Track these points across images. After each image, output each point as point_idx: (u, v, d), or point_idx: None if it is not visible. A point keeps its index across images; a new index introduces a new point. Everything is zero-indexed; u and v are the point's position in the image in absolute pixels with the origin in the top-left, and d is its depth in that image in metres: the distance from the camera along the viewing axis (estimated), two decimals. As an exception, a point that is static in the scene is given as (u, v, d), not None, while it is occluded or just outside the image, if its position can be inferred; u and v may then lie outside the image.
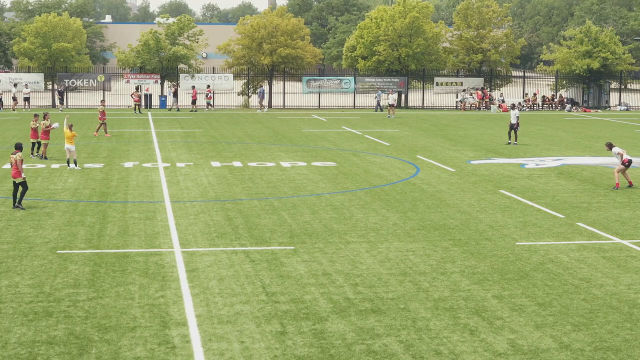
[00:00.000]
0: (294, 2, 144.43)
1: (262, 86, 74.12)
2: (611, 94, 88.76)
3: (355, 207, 27.91)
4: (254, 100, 77.74)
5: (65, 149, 36.40)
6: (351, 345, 15.10)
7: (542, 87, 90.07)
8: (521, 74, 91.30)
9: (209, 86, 73.86)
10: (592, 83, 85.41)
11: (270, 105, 77.64)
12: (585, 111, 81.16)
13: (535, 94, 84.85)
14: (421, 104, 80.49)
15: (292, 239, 23.20)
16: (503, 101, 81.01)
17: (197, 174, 34.60)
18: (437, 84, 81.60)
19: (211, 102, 72.55)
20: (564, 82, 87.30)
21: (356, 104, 78.48)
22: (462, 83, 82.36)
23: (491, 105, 79.29)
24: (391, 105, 68.23)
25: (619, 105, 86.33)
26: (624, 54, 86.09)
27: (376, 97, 75.21)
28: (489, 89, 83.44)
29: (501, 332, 15.84)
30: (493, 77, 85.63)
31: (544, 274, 19.89)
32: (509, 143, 47.14)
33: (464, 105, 79.68)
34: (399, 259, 21.07)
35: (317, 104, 77.69)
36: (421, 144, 47.13)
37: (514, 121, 47.11)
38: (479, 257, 21.49)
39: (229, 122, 59.24)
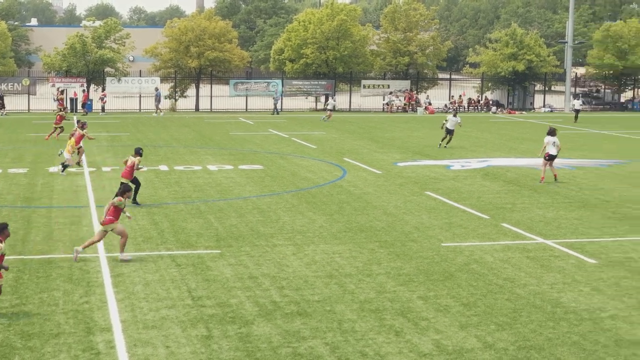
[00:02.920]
0: (222, 5, 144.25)
1: (158, 89, 73.35)
2: (536, 95, 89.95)
3: (282, 210, 27.92)
4: (183, 103, 77.46)
5: None
6: (277, 348, 15.10)
7: (468, 89, 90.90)
8: (447, 76, 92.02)
9: (104, 89, 73.65)
10: (517, 85, 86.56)
11: (197, 109, 77.37)
12: (510, 113, 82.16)
13: (461, 96, 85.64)
14: (348, 107, 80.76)
15: (218, 242, 23.13)
16: (430, 103, 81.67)
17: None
18: (364, 87, 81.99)
19: (105, 107, 71.98)
20: (490, 84, 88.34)
21: (284, 107, 78.46)
22: (389, 85, 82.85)
23: (418, 108, 79.87)
24: (330, 110, 68.13)
25: (544, 106, 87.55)
26: (548, 56, 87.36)
27: (275, 99, 75.00)
28: (415, 92, 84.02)
29: (426, 333, 15.95)
30: (420, 80, 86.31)
31: (469, 275, 20.08)
32: (441, 146, 46.95)
33: (391, 107, 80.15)
34: (325, 262, 21.12)
35: (245, 107, 77.57)
36: (348, 146, 47.29)
37: (451, 127, 46.88)
38: (405, 258, 21.62)
39: (155, 126, 58.89)
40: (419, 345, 15.30)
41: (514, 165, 39.97)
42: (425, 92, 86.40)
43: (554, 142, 34.89)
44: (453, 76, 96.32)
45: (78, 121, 40.48)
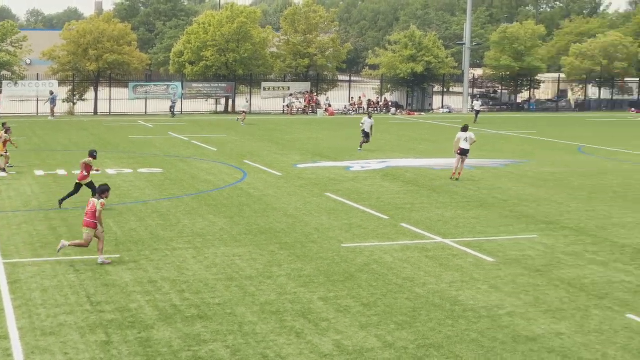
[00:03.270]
0: (121, 7, 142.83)
1: (53, 92, 72.28)
2: (434, 97, 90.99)
3: (181, 213, 27.75)
4: (81, 106, 76.49)
5: None
6: (177, 352, 15.00)
7: (367, 90, 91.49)
8: (347, 78, 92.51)
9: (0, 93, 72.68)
10: (416, 86, 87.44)
11: (95, 112, 76.47)
12: (409, 114, 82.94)
13: (360, 98, 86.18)
14: (249, 109, 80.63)
15: (117, 247, 22.88)
16: (330, 105, 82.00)
17: (20, 184, 33.73)
18: (264, 89, 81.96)
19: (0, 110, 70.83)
20: (389, 85, 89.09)
21: (184, 110, 78.00)
22: (289, 88, 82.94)
23: (318, 110, 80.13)
24: (244, 112, 67.86)
25: (442, 107, 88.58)
26: (446, 57, 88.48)
27: (172, 101, 74.63)
28: (315, 93, 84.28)
29: (327, 334, 16.01)
30: (320, 82, 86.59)
31: (369, 275, 20.22)
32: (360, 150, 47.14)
33: (291, 109, 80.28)
34: (226, 264, 21.06)
35: (144, 110, 76.91)
36: (248, 148, 47.23)
37: (367, 130, 47.04)
38: (305, 260, 21.67)
39: (53, 130, 58.03)
40: (320, 346, 15.35)
41: (412, 166, 40.36)
42: (325, 94, 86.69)
43: (466, 137, 35.82)
44: (353, 78, 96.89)
45: (4, 124, 39.44)
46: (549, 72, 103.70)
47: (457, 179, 35.69)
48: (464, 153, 35.88)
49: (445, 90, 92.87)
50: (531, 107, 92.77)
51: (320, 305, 17.79)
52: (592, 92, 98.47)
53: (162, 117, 73.06)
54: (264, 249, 22.77)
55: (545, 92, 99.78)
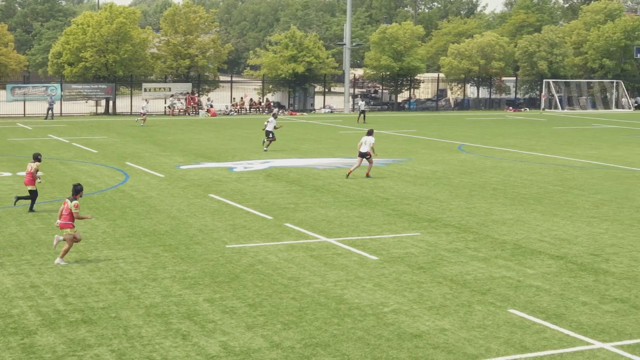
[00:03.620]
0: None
1: None
2: (316, 97, 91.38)
3: (63, 216, 27.28)
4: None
5: None
6: (62, 357, 14.76)
7: (249, 91, 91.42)
8: (229, 78, 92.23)
9: None
10: (298, 87, 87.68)
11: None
12: (291, 114, 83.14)
13: (242, 99, 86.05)
14: (129, 110, 79.74)
15: (-3, 252, 22.42)
16: (211, 106, 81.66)
17: None
18: (145, 90, 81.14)
19: None
20: (271, 86, 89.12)
21: (64, 112, 76.75)
22: (170, 89, 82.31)
23: (200, 110, 79.73)
24: (143, 114, 66.98)
25: (324, 108, 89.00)
26: (327, 58, 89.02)
27: (50, 103, 73.45)
28: (197, 94, 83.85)
29: (213, 335, 15.95)
30: (201, 82, 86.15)
31: (254, 275, 20.21)
32: (267, 149, 47.49)
33: (173, 110, 79.72)
34: (109, 268, 20.80)
35: (23, 112, 75.41)
36: (130, 150, 46.74)
37: (269, 128, 47.51)
38: (190, 261, 21.55)
39: None
40: (206, 348, 15.28)
41: (295, 166, 40.48)
42: (207, 95, 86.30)
43: (366, 141, 36.75)
44: (234, 79, 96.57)
45: None
46: (428, 71, 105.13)
47: (367, 176, 36.83)
48: (362, 155, 36.75)
49: (326, 90, 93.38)
50: (411, 107, 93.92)
51: (206, 306, 17.72)
52: (471, 91, 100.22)
53: (41, 119, 71.75)
54: (147, 252, 22.57)
55: (425, 91, 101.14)
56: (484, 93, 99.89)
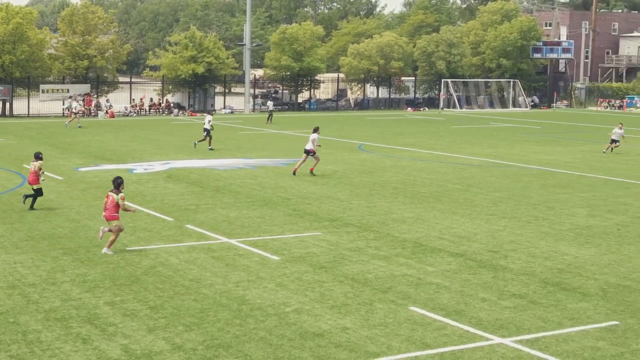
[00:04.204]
0: None
1: None
2: (216, 97, 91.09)
3: (-42, 220, 26.77)
4: None
5: None
6: (-43, 364, 14.49)
7: (149, 92, 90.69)
8: (128, 79, 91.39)
9: None
10: (198, 87, 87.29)
11: None
12: (191, 115, 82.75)
13: (142, 99, 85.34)
14: (27, 112, 78.46)
15: None
16: (110, 107, 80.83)
17: None
18: (43, 91, 79.92)
19: None
20: (171, 87, 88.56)
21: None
22: (68, 90, 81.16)
23: (98, 112, 78.83)
24: (75, 114, 66.00)
25: (224, 108, 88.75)
26: (227, 58, 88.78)
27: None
28: (96, 95, 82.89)
29: (114, 339, 15.78)
30: (100, 84, 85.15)
31: (155, 278, 20.06)
32: (202, 148, 48.16)
33: (71, 112, 78.65)
34: (7, 272, 20.42)
35: None
36: (27, 152, 45.84)
37: (208, 127, 48.29)
38: (90, 264, 21.28)
39: None
40: (107, 352, 15.12)
41: (196, 167, 40.29)
42: (106, 96, 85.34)
43: (310, 138, 37.80)
44: (134, 79, 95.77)
45: None
46: (328, 72, 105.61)
47: (312, 174, 37.74)
48: (306, 152, 37.68)
49: (226, 91, 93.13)
50: (312, 107, 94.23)
51: (107, 310, 17.52)
52: (371, 91, 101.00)
53: None
54: (46, 255, 22.22)
55: (325, 91, 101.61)
56: (383, 93, 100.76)
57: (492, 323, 16.96)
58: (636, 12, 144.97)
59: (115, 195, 22.63)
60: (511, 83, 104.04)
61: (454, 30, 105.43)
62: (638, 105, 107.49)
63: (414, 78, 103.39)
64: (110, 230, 22.60)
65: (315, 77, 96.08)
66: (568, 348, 15.58)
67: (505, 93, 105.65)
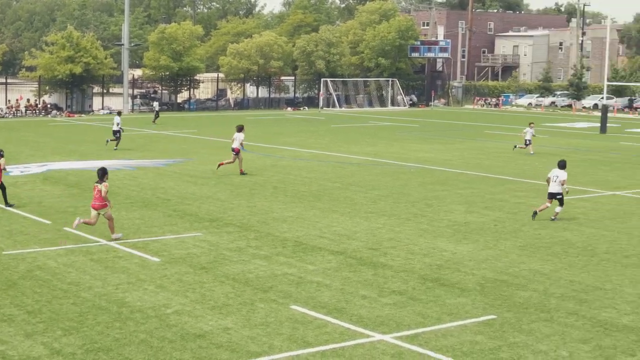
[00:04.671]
0: None
1: None
2: (94, 98, 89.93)
3: None
4: None
5: None
6: None
7: (25, 93, 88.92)
8: (3, 80, 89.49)
9: None
10: (76, 88, 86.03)
11: None
12: (69, 116, 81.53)
13: (17, 101, 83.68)
14: None
15: None
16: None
17: None
18: None
19: None
20: (47, 87, 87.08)
21: None
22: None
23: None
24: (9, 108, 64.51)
25: (103, 109, 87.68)
26: (105, 58, 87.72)
27: None
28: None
29: (-10, 345, 15.48)
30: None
31: (33, 282, 19.70)
32: (112, 149, 48.16)
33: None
34: None
35: None
36: None
37: (116, 128, 48.44)
38: (-36, 270, 20.82)
39: None
40: (-17, 358, 14.82)
41: (74, 169, 39.71)
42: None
43: (236, 137, 38.34)
44: (9, 80, 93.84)
45: None
46: (207, 71, 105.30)
47: (240, 174, 38.21)
48: (234, 151, 38.16)
49: (105, 91, 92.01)
50: (191, 107, 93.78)
51: (-18, 316, 17.16)
52: (250, 90, 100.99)
53: None
54: None
55: (205, 91, 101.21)
56: (263, 92, 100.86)
57: (372, 320, 17.13)
58: (511, 12, 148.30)
59: (99, 185, 23.91)
60: (390, 82, 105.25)
61: (333, 30, 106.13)
62: (513, 103, 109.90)
63: (293, 77, 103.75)
64: (93, 217, 24.10)
65: (195, 77, 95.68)
66: (447, 343, 15.85)
67: (384, 92, 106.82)
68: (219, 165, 38.54)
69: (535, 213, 28.39)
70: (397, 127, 71.60)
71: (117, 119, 49.21)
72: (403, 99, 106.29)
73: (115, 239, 23.99)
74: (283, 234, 25.57)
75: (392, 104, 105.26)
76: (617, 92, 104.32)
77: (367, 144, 54.18)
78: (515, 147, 50.19)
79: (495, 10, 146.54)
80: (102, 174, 24.20)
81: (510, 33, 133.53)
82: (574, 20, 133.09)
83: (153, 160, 43.52)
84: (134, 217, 27.96)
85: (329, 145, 53.19)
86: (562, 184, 28.04)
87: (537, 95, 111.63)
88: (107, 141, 49.04)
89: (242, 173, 38.09)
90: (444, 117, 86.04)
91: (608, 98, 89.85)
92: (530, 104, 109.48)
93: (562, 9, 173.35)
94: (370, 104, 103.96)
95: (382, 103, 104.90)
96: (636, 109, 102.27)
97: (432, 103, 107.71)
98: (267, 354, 15.17)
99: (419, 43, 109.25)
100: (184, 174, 38.35)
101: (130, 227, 26.20)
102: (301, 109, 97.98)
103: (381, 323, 16.96)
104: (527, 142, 49.34)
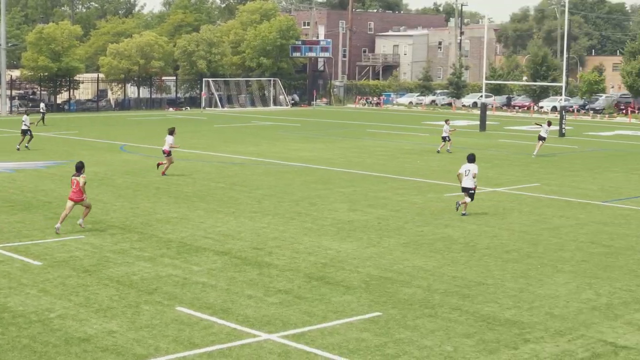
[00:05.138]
0: None
1: None
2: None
3: None
4: None
5: None
6: None
7: None
8: None
9: None
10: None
11: None
12: (-55, 118, 79.52)
13: None
14: None
15: None
16: None
17: None
18: None
19: None
20: None
21: None
22: None
23: None
24: None
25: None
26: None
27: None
28: None
29: None
30: None
31: None
32: (24, 148, 48.34)
33: None
34: None
35: None
36: None
37: (25, 127, 48.47)
38: None
39: None
40: None
41: (-49, 172, 38.83)
42: None
43: (167, 140, 38.78)
44: None
45: None
46: (87, 72, 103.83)
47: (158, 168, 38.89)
48: (164, 153, 38.54)
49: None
50: (71, 108, 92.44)
51: None
52: (132, 91, 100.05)
53: None
54: None
55: (85, 92, 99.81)
56: (144, 93, 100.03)
57: (259, 320, 17.17)
58: (391, 12, 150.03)
59: (78, 178, 25.21)
60: (272, 82, 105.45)
61: (214, 29, 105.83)
62: (394, 102, 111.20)
63: (175, 77, 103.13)
64: (85, 206, 25.72)
65: (75, 78, 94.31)
66: (333, 341, 15.97)
67: (266, 92, 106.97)
68: (159, 165, 39.00)
69: (458, 204, 29.16)
70: (280, 126, 71.79)
71: (25, 118, 48.98)
72: (285, 98, 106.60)
73: (79, 224, 25.76)
74: (167, 235, 25.44)
75: (275, 103, 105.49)
76: (495, 90, 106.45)
77: (250, 144, 54.21)
78: (446, 150, 50.74)
79: (375, 10, 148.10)
80: (80, 166, 25.47)
81: (390, 33, 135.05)
82: (452, 20, 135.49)
83: (33, 162, 42.78)
84: (15, 220, 27.46)
85: (212, 145, 53.06)
86: (474, 177, 28.75)
87: (418, 94, 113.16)
88: (18, 148, 48.24)
89: (163, 174, 38.16)
90: (326, 117, 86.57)
91: (487, 96, 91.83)
92: (411, 102, 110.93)
93: (441, 8, 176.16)
94: (253, 104, 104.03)
95: (265, 103, 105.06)
96: (514, 106, 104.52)
97: (314, 102, 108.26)
98: (153, 356, 15.08)
99: (300, 43, 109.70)
100: (65, 176, 37.73)
101: (10, 231, 25.73)
102: (183, 109, 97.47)
103: (267, 322, 17.01)
104: (446, 139, 50.42)
